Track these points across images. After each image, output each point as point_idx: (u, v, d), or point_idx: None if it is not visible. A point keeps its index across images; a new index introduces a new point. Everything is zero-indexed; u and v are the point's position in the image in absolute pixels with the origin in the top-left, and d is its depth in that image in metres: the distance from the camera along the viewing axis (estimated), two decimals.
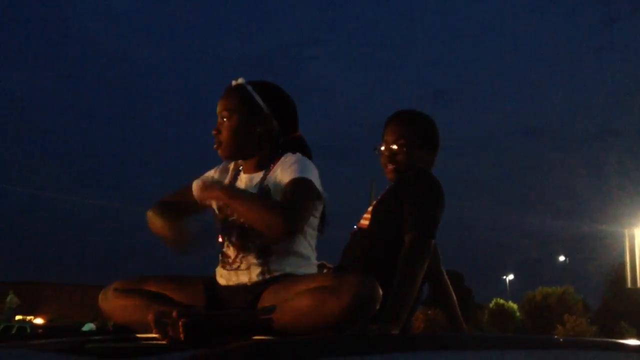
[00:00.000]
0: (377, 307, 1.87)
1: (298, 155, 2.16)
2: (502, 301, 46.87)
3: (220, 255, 2.19)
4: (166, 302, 2.06)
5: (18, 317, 28.41)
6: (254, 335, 1.88)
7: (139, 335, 2.07)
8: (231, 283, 2.13)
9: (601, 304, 43.68)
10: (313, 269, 2.17)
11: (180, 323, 1.84)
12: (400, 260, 2.30)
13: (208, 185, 2.08)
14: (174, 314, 1.86)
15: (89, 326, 18.22)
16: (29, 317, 32.92)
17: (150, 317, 1.90)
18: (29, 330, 21.13)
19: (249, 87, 2.21)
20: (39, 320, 32.35)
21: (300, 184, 2.05)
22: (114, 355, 1.62)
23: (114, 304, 2.13)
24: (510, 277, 54.58)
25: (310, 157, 2.22)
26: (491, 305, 47.11)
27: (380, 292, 1.88)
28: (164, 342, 1.84)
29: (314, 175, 2.10)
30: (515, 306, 46.48)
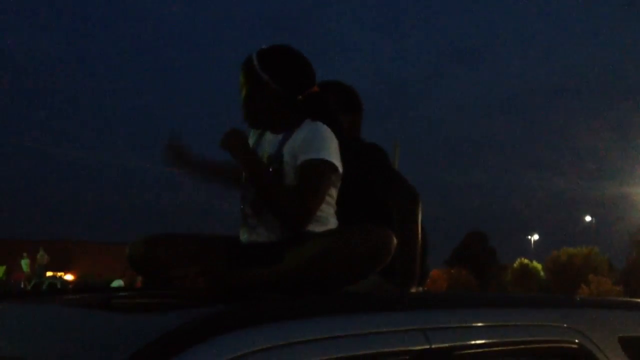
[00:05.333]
0: (391, 255, 1.97)
1: (317, 126, 2.19)
2: (526, 261, 46.80)
3: (241, 213, 2.25)
4: (189, 258, 2.12)
5: (48, 274, 28.99)
6: (272, 292, 1.94)
7: (162, 292, 2.14)
8: (251, 240, 2.19)
9: (627, 264, 43.39)
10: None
11: (200, 280, 1.90)
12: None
13: (233, 142, 2.14)
14: (195, 271, 1.92)
15: (117, 283, 18.56)
16: (59, 274, 33.57)
17: (172, 273, 1.97)
18: (59, 286, 21.61)
19: (254, 58, 2.27)
20: (69, 277, 33.01)
21: (314, 168, 2.11)
22: (136, 310, 1.69)
23: (140, 257, 2.20)
24: (535, 237, 54.41)
25: (331, 114, 2.27)
26: (515, 265, 47.07)
27: (395, 241, 1.95)
28: (185, 298, 1.90)
29: (330, 149, 2.15)
30: (539, 266, 46.39)
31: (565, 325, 1.94)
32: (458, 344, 1.68)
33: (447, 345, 1.65)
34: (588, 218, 50.59)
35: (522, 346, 1.84)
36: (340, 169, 2.18)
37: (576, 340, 1.92)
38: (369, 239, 1.94)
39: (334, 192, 2.22)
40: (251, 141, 2.34)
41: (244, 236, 2.23)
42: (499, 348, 1.80)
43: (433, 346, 1.61)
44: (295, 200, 2.08)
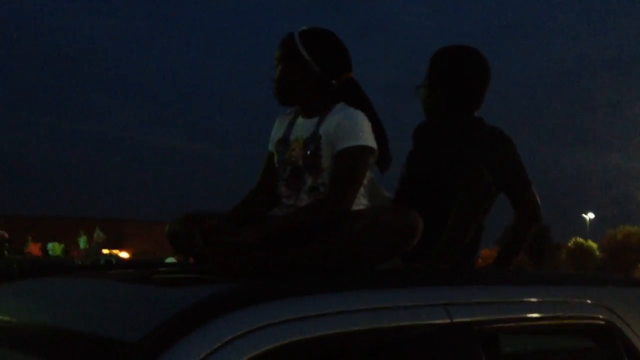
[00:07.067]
0: (417, 236, 2.00)
1: (350, 111, 2.23)
2: (581, 240, 46.04)
3: (276, 192, 2.32)
4: (224, 236, 2.19)
5: (105, 251, 29.74)
6: (304, 271, 2.00)
7: (200, 268, 2.22)
8: None
9: None
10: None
11: (233, 258, 1.97)
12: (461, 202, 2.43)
13: (236, 240, 2.00)
14: (229, 248, 1.99)
15: (171, 259, 18.98)
16: (115, 251, 34.39)
17: (208, 251, 2.04)
18: (114, 263, 22.15)
19: (296, 36, 2.31)
20: (124, 255, 33.82)
21: (354, 156, 2.16)
22: (170, 285, 1.77)
23: (178, 234, 2.31)
24: (590, 215, 53.34)
25: (363, 100, 2.31)
26: (570, 244, 46.33)
27: (421, 223, 1.98)
28: (219, 274, 1.97)
29: (366, 133, 2.19)
30: (594, 245, 45.59)
31: (589, 302, 1.95)
32: (479, 319, 1.72)
33: (467, 320, 1.69)
34: None
35: (545, 322, 1.87)
36: (377, 150, 2.22)
37: (601, 317, 1.93)
38: (397, 220, 1.99)
39: (367, 172, 2.27)
40: (281, 129, 2.39)
41: (277, 214, 2.28)
42: (520, 324, 1.83)
43: (454, 321, 1.66)
44: (325, 199, 2.12)
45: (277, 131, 2.41)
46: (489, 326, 1.75)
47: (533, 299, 1.88)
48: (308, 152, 2.23)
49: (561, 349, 2.01)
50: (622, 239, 43.08)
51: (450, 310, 1.67)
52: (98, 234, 25.81)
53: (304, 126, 2.30)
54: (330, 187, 2.16)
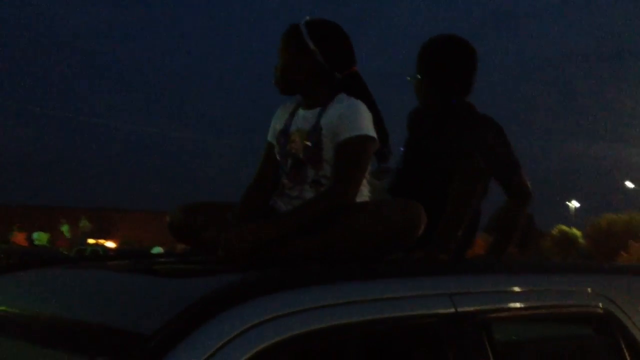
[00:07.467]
0: (420, 230, 2.02)
1: (352, 101, 2.24)
2: (565, 228, 46.32)
3: (278, 184, 2.32)
4: (226, 226, 2.19)
5: (90, 241, 29.63)
6: (306, 260, 2.01)
7: (200, 258, 2.23)
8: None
9: None
10: (365, 200, 2.29)
11: (236, 247, 1.98)
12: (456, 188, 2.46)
13: (248, 239, 2.00)
14: (232, 238, 2.00)
15: (157, 249, 19.04)
16: (101, 241, 34.26)
17: (212, 239, 2.06)
18: (101, 253, 22.13)
19: (302, 26, 2.30)
20: (110, 244, 33.69)
21: (357, 146, 2.17)
22: (178, 276, 1.77)
23: (179, 224, 2.32)
24: (575, 203, 53.69)
25: (365, 93, 2.32)
26: (554, 232, 46.61)
27: (424, 216, 2.00)
28: (222, 264, 1.98)
29: (366, 123, 2.20)
30: (578, 233, 45.87)
31: (589, 290, 1.98)
32: (483, 308, 1.74)
33: (472, 309, 1.72)
34: (629, 184, 49.76)
35: (546, 310, 1.90)
36: (376, 142, 2.23)
37: (601, 305, 1.96)
38: (401, 214, 2.01)
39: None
40: (282, 120, 2.38)
41: (281, 206, 2.29)
42: (523, 312, 1.86)
43: (458, 310, 1.68)
44: (330, 191, 2.12)
45: (277, 122, 2.40)
46: (492, 315, 1.77)
47: (535, 288, 1.90)
48: (309, 144, 2.23)
49: (561, 337, 2.03)
50: (606, 227, 43.35)
51: (455, 300, 1.69)
52: (84, 223, 25.75)
53: (304, 118, 2.29)
54: (334, 179, 2.16)
